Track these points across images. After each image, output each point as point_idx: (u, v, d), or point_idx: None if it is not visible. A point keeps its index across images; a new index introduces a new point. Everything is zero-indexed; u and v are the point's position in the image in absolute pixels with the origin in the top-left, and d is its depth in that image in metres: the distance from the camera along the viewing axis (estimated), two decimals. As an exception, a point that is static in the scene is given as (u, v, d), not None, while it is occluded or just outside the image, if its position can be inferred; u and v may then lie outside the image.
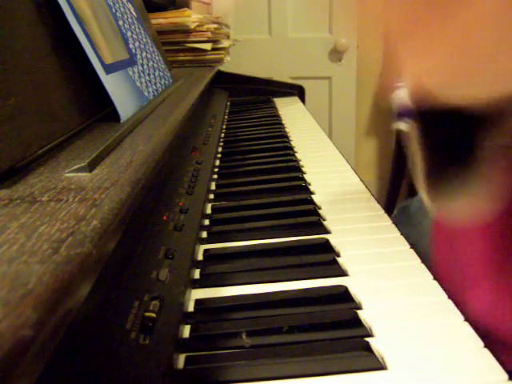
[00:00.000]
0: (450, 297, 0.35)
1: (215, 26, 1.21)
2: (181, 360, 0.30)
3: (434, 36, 0.31)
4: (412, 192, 2.27)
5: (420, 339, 0.31)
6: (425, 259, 0.42)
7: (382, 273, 0.39)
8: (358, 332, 0.32)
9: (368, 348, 0.30)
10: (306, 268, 0.41)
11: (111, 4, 0.63)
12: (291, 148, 0.78)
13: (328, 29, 2.41)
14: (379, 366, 0.29)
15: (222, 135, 0.90)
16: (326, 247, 0.43)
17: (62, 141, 0.41)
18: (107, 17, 0.59)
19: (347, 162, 0.71)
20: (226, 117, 1.08)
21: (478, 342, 0.30)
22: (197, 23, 1.14)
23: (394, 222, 0.48)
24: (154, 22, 1.07)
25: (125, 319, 0.30)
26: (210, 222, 0.52)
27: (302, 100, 1.27)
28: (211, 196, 0.60)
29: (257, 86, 1.30)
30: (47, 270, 0.20)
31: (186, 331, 0.33)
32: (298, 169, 0.67)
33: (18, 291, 0.18)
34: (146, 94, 0.62)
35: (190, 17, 1.13)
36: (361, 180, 0.63)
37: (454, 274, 0.46)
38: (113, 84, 0.51)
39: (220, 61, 1.24)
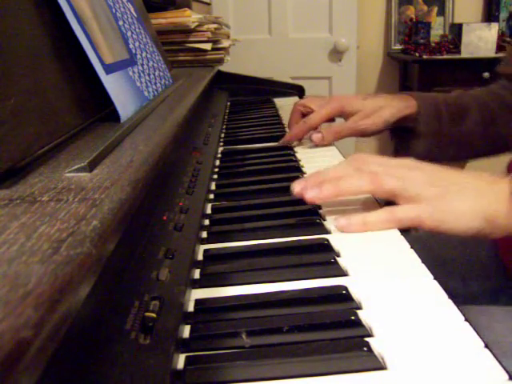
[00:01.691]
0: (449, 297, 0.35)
1: (215, 25, 1.21)
2: (181, 360, 0.30)
3: None
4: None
5: (420, 339, 0.31)
6: None
7: (382, 273, 0.39)
8: (358, 332, 0.32)
9: (368, 348, 0.30)
10: (305, 268, 0.41)
11: (111, 4, 0.63)
12: (291, 148, 0.78)
13: (328, 29, 2.41)
14: (379, 365, 0.29)
15: (222, 135, 0.90)
16: (326, 247, 0.43)
17: (62, 141, 0.41)
18: (107, 17, 0.59)
19: (347, 161, 0.71)
20: (226, 117, 1.08)
21: (479, 342, 0.30)
22: (197, 23, 1.14)
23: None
24: (154, 22, 1.07)
25: (125, 319, 0.30)
26: (210, 221, 0.52)
27: (302, 100, 1.27)
28: (211, 196, 0.60)
29: (257, 86, 1.30)
30: (47, 270, 0.20)
31: (186, 331, 0.33)
32: (298, 169, 0.67)
33: (18, 291, 0.18)
34: (146, 94, 0.62)
35: (190, 17, 1.13)
36: (361, 180, 0.63)
37: None
38: (113, 84, 0.51)
39: (220, 61, 1.24)
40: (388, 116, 0.74)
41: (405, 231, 0.46)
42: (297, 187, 0.48)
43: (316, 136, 0.76)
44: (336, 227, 0.46)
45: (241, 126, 0.98)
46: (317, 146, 0.77)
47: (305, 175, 0.64)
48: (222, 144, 0.84)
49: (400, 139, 0.84)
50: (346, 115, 0.76)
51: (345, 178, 0.46)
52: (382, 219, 0.45)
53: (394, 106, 0.75)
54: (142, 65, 0.66)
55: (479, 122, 0.75)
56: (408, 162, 0.48)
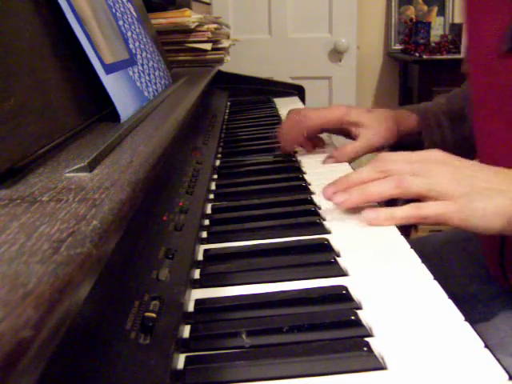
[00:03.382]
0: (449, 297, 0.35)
1: (215, 25, 1.21)
2: (181, 360, 0.30)
3: None
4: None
5: (420, 339, 0.31)
6: None
7: (382, 273, 0.39)
8: (358, 332, 0.32)
9: (368, 348, 0.30)
10: (305, 268, 0.41)
11: (111, 4, 0.63)
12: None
13: (328, 29, 2.41)
14: (379, 365, 0.29)
15: (222, 135, 0.90)
16: (326, 247, 0.43)
17: (62, 141, 0.41)
18: (107, 17, 0.59)
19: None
20: (226, 117, 1.08)
21: (479, 342, 0.30)
22: (197, 23, 1.14)
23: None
24: (154, 22, 1.07)
25: (125, 319, 0.30)
26: (210, 221, 0.52)
27: (302, 100, 1.27)
28: (211, 196, 0.60)
29: (257, 86, 1.30)
30: (47, 270, 0.20)
31: (186, 331, 0.33)
32: (298, 169, 0.67)
33: (18, 291, 0.18)
34: (146, 94, 0.62)
35: (190, 17, 1.13)
36: (361, 180, 0.62)
37: None
38: (113, 84, 0.51)
39: (220, 61, 1.24)
40: (394, 132, 0.72)
41: (404, 233, 0.46)
42: (326, 192, 0.49)
43: (328, 160, 0.70)
44: (365, 219, 0.47)
45: (241, 125, 0.98)
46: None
47: (305, 175, 0.64)
48: (221, 144, 0.84)
49: None
50: (345, 124, 0.72)
51: (371, 183, 0.47)
52: (410, 215, 0.46)
53: (397, 122, 0.73)
54: (142, 65, 0.66)
55: None
56: (435, 155, 0.48)
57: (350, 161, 0.71)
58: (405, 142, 0.75)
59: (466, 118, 0.74)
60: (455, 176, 0.45)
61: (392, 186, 0.46)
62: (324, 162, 0.71)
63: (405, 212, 0.46)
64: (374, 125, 0.71)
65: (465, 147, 0.75)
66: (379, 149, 0.73)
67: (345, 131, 0.73)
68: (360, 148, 0.71)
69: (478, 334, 0.31)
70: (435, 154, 0.48)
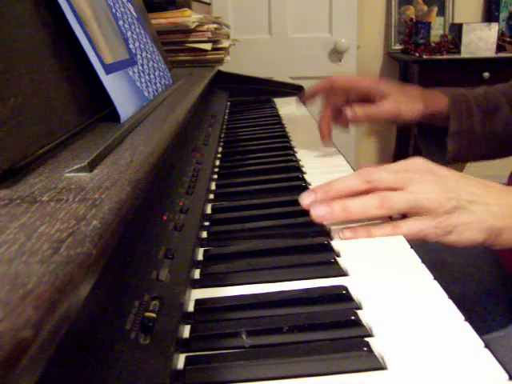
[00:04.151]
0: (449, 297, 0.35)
1: (215, 25, 1.21)
2: (181, 360, 0.30)
3: None
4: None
5: (420, 339, 0.31)
6: None
7: (382, 273, 0.39)
8: (358, 332, 0.32)
9: (368, 348, 0.30)
10: (305, 268, 0.41)
11: (111, 4, 0.63)
12: (291, 148, 0.78)
13: (328, 29, 2.41)
14: (379, 365, 0.29)
15: (222, 135, 0.90)
16: (326, 247, 0.43)
17: (62, 141, 0.41)
18: (107, 17, 0.59)
19: (347, 161, 0.71)
20: (226, 117, 1.08)
21: (479, 342, 0.30)
22: (197, 23, 1.14)
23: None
24: (154, 22, 1.08)
25: (125, 319, 0.30)
26: (210, 222, 0.52)
27: (302, 100, 1.26)
28: (211, 196, 0.60)
29: (257, 86, 1.30)
30: (47, 270, 0.20)
31: (186, 331, 0.33)
32: (298, 169, 0.67)
33: (18, 291, 0.18)
34: (146, 94, 0.62)
35: (190, 17, 1.13)
36: (361, 180, 0.62)
37: None
38: (113, 84, 0.51)
39: (220, 61, 1.24)
40: (421, 107, 0.71)
41: None
42: (305, 199, 0.47)
43: (349, 110, 0.70)
44: (343, 236, 0.46)
45: (241, 125, 0.98)
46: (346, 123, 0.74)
47: (305, 175, 0.64)
48: (221, 144, 0.84)
49: (427, 139, 0.80)
50: (373, 94, 0.71)
51: (354, 199, 0.45)
52: (386, 234, 0.46)
53: (426, 99, 0.72)
54: (142, 65, 0.66)
55: (510, 118, 0.72)
56: (420, 164, 0.47)
57: (367, 119, 0.70)
58: (430, 123, 0.73)
59: (500, 114, 0.72)
60: (442, 188, 0.44)
61: (375, 204, 0.45)
62: (345, 110, 0.70)
63: (382, 232, 0.46)
64: (400, 97, 0.70)
65: (492, 142, 0.74)
66: (399, 121, 0.72)
67: (369, 101, 0.72)
68: (380, 111, 0.69)
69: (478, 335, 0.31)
70: (420, 162, 0.47)
